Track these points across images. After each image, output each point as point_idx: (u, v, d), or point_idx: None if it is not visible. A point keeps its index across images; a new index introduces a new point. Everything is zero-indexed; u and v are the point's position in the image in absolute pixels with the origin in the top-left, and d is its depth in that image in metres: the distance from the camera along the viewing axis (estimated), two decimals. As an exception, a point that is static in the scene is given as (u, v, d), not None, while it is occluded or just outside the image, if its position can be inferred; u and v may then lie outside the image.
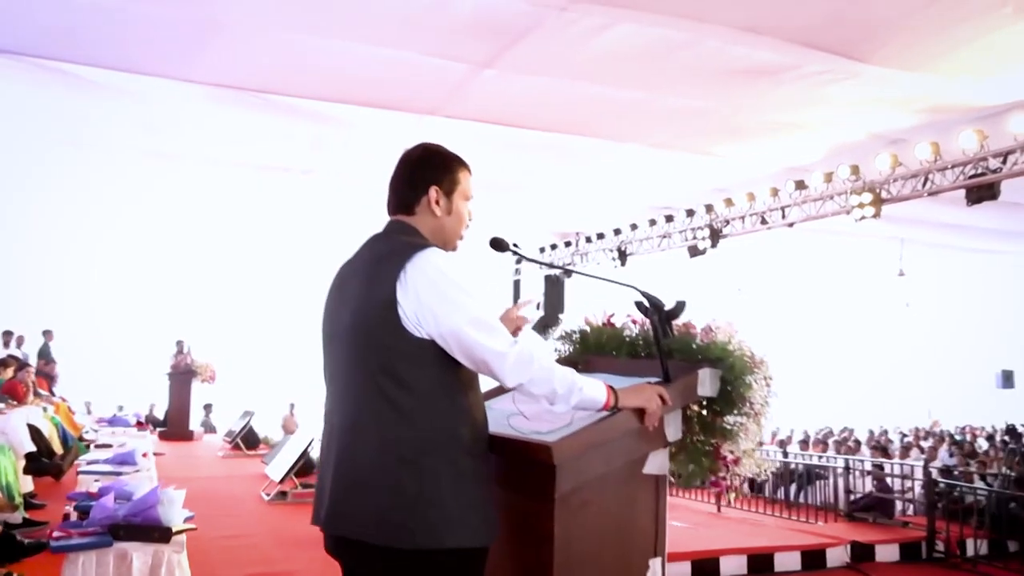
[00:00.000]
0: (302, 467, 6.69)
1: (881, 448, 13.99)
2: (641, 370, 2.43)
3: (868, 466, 11.40)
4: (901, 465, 12.11)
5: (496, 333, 2.08)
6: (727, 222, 11.05)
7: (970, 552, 9.49)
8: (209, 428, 14.64)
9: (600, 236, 13.58)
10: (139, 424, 9.30)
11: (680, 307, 2.31)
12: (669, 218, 11.99)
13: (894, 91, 7.42)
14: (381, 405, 2.03)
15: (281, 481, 6.80)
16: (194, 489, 6.06)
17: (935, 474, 10.63)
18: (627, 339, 2.66)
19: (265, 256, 15.28)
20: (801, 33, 6.28)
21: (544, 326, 16.33)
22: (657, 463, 2.26)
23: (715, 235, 11.07)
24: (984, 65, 6.88)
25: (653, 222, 12.30)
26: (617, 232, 13.05)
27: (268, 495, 6.70)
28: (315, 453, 8.13)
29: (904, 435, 18.41)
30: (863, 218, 8.92)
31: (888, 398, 21.29)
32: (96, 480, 4.36)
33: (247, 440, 10.80)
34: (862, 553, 9.10)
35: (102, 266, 16.29)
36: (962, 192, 8.25)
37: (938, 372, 21.82)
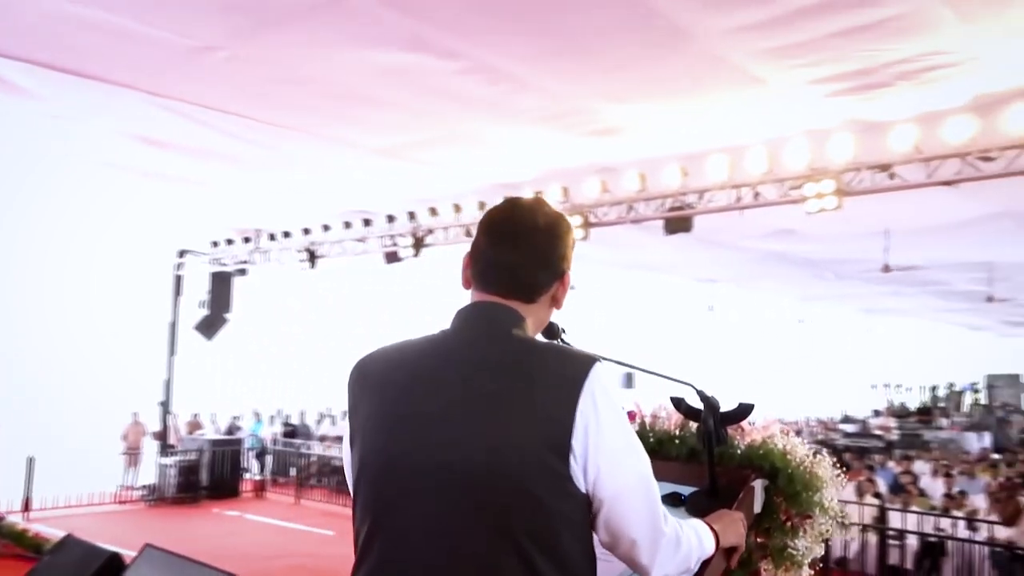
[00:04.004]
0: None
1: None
2: (657, 472, 2.01)
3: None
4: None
5: (658, 499, 1.55)
6: (430, 231, 10.89)
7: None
8: None
9: (287, 235, 12.69)
10: None
11: (746, 410, 1.92)
12: (367, 222, 11.53)
13: (610, 122, 7.72)
14: None
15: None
16: None
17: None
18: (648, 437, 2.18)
19: None
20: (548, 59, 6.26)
21: (208, 325, 14.99)
22: None
23: (418, 243, 10.85)
24: (693, 110, 7.43)
25: (348, 224, 11.74)
26: (307, 232, 12.27)
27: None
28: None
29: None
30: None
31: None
32: None
33: None
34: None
35: None
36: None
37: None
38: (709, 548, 1.67)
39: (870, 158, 7.46)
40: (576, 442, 1.45)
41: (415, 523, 1.48)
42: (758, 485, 1.92)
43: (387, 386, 1.60)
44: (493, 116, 7.50)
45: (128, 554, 4.16)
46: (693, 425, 2.03)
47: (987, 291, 15.86)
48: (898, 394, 28.18)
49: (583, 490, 1.47)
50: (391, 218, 11.18)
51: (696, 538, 1.62)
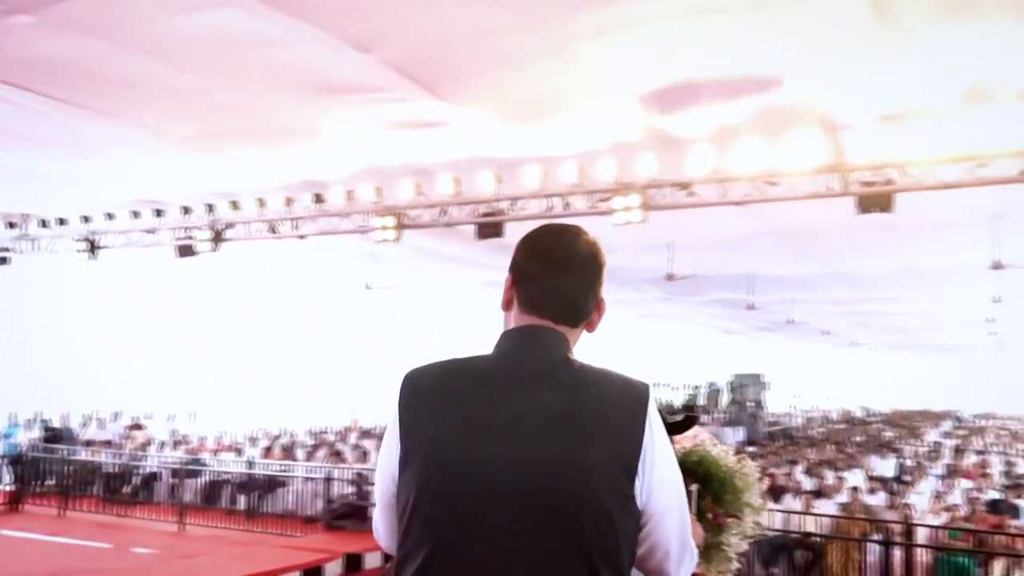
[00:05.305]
0: None
1: (336, 453, 14.63)
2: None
3: (350, 475, 11.71)
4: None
5: (688, 513, 1.65)
6: (230, 225, 10.39)
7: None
8: None
9: (62, 222, 11.59)
10: None
11: (691, 422, 2.02)
12: (159, 212, 10.80)
13: (430, 117, 7.73)
14: None
15: None
16: None
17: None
18: None
19: None
20: (399, 59, 6.22)
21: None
22: None
23: (217, 237, 10.32)
24: (512, 119, 7.64)
25: (137, 214, 10.93)
26: (87, 220, 11.28)
27: None
28: None
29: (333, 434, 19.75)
30: (385, 240, 9.21)
31: (317, 399, 22.38)
32: None
33: None
34: (355, 563, 9.43)
35: None
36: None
37: (359, 374, 23.61)
38: None
39: (671, 175, 8.04)
40: (641, 464, 1.53)
41: (487, 541, 1.49)
42: (694, 490, 2.07)
43: (452, 403, 1.58)
44: (306, 101, 7.22)
45: None
46: None
47: (748, 300, 17.54)
48: (666, 392, 30.40)
49: (640, 508, 1.55)
50: (187, 210, 10.56)
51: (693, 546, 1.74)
